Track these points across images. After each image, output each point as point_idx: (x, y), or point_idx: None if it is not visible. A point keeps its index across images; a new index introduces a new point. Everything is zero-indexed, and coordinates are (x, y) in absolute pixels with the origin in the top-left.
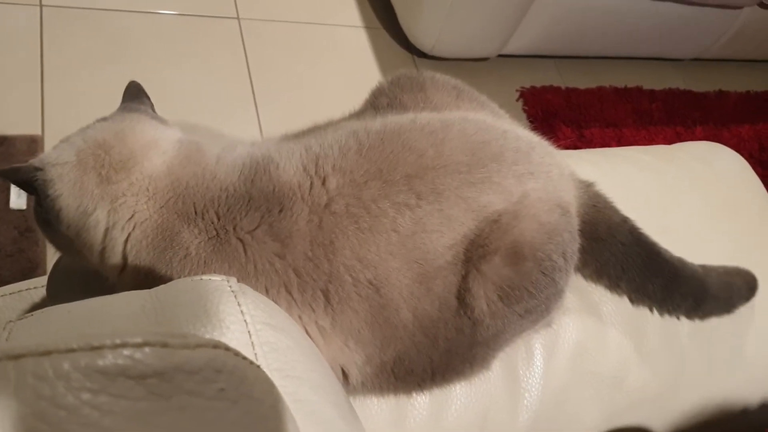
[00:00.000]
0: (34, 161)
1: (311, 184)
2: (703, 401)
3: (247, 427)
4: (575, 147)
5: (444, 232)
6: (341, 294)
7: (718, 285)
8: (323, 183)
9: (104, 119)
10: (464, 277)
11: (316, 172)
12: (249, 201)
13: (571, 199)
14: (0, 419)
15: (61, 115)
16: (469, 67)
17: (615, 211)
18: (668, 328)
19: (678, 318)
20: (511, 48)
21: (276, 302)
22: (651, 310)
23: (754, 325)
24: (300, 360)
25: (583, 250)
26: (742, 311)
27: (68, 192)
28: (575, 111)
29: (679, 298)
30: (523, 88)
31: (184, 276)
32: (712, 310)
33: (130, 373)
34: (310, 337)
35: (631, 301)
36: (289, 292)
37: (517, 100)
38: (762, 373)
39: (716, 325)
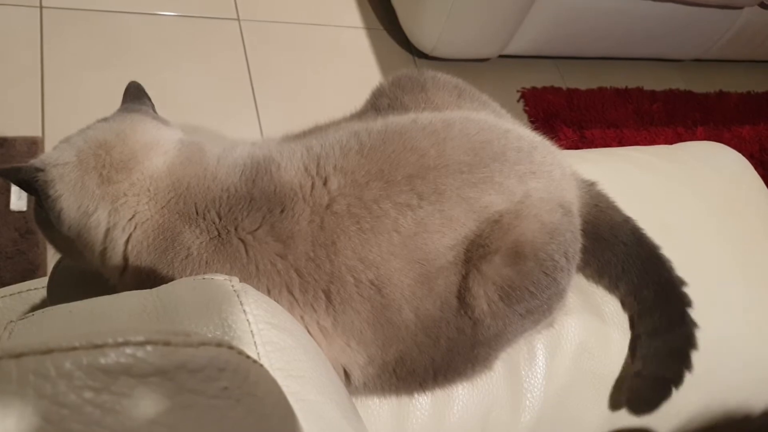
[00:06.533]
0: (35, 162)
1: (313, 184)
2: (706, 403)
3: (250, 425)
4: (576, 148)
5: (445, 233)
6: (343, 294)
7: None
8: (325, 183)
9: (105, 120)
10: (465, 277)
11: (317, 173)
12: (250, 201)
13: (573, 198)
14: (1, 417)
15: (61, 117)
16: (470, 67)
17: (617, 211)
18: None
19: (640, 339)
20: (512, 48)
21: (278, 302)
22: (632, 320)
23: (757, 327)
24: (303, 360)
25: (585, 250)
26: (744, 314)
27: (69, 192)
28: (576, 112)
29: (659, 316)
30: (524, 88)
31: (186, 277)
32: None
33: (133, 371)
34: (312, 337)
35: (623, 305)
36: (291, 293)
37: (518, 101)
38: (766, 376)
39: (720, 327)
